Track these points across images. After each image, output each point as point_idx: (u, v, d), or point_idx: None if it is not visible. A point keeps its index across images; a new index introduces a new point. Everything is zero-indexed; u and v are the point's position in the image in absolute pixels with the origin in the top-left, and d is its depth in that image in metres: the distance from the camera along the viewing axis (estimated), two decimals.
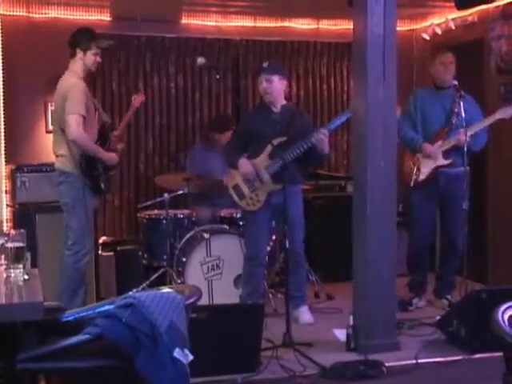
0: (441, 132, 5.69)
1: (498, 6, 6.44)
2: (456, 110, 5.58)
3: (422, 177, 5.71)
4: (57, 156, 5.16)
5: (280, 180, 5.18)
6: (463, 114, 5.32)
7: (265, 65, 5.49)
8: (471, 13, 6.80)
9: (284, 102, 5.52)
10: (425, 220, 5.83)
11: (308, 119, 5.84)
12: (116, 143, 5.53)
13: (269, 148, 5.30)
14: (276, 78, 5.37)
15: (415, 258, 5.95)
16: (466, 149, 5.31)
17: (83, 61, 5.14)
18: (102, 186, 5.17)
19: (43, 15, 6.83)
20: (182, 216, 6.38)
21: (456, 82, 5.52)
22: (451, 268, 5.78)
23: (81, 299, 5.08)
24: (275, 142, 5.26)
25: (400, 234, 6.86)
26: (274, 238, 5.98)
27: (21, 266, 3.03)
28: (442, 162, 5.64)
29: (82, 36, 5.18)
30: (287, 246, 4.92)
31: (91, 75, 5.47)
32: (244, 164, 5.37)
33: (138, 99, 5.99)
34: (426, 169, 5.70)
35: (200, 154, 6.82)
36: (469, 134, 5.42)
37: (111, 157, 5.25)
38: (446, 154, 5.63)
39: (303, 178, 5.71)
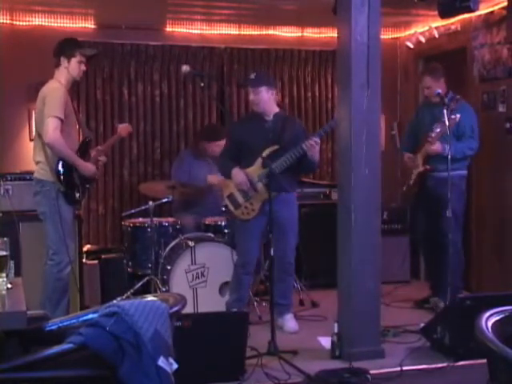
0: (424, 140, 5.88)
1: (480, 15, 6.49)
2: (442, 118, 5.66)
3: (411, 182, 6.10)
4: (35, 163, 5.14)
5: (273, 188, 5.21)
6: (447, 122, 5.43)
7: (252, 76, 5.48)
8: (454, 21, 6.85)
9: (277, 109, 5.52)
10: (420, 221, 6.20)
11: (300, 125, 5.82)
12: (98, 155, 5.50)
13: (261, 158, 5.31)
14: (263, 89, 5.36)
15: (425, 260, 6.37)
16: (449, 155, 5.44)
17: (68, 69, 5.10)
18: (78, 195, 5.15)
19: (27, 23, 6.81)
20: (166, 224, 6.37)
21: (439, 91, 5.64)
22: (450, 269, 5.74)
23: (64, 309, 5.05)
24: (266, 153, 5.26)
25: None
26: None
27: (4, 274, 3.02)
28: (420, 168, 5.98)
29: (66, 44, 5.15)
30: (272, 253, 4.92)
31: (75, 83, 5.43)
32: (237, 174, 5.36)
33: (125, 129, 5.91)
34: (413, 175, 6.07)
35: (187, 161, 6.80)
36: (436, 138, 5.72)
37: (87, 166, 5.20)
38: (427, 160, 5.90)
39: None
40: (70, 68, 5.11)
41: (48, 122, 4.89)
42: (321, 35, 7.77)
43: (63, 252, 5.03)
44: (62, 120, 4.93)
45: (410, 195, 6.24)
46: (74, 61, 5.11)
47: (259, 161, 5.33)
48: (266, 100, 5.40)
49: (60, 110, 4.94)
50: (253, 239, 5.47)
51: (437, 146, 5.73)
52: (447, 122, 5.46)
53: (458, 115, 5.60)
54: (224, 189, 5.56)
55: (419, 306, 6.10)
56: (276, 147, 5.29)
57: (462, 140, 5.80)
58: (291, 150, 5.23)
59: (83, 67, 5.19)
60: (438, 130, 5.69)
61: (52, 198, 5.00)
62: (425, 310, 5.95)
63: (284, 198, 5.29)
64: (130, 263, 6.36)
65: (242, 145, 5.44)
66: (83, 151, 5.23)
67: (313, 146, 5.22)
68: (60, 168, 5.01)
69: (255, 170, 5.37)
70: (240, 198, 5.42)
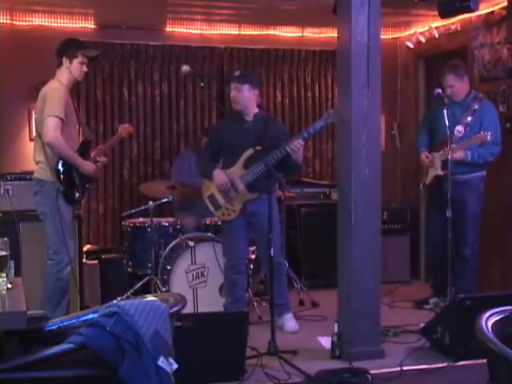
0: (443, 142, 5.74)
1: (480, 15, 6.49)
2: (467, 120, 5.75)
3: (427, 181, 6.06)
4: (36, 163, 5.14)
5: (255, 189, 5.19)
6: (447, 123, 5.45)
7: (236, 73, 5.47)
8: (454, 21, 6.85)
9: (256, 110, 5.50)
10: (433, 223, 6.17)
11: (281, 127, 5.82)
12: (99, 155, 5.49)
13: (247, 154, 5.30)
14: (246, 88, 5.34)
15: (432, 260, 6.29)
16: (449, 159, 5.51)
17: (69, 70, 5.10)
18: (77, 195, 5.14)
19: (27, 23, 6.82)
20: (166, 224, 6.37)
21: (440, 91, 5.64)
22: (460, 273, 5.76)
23: (64, 309, 5.05)
24: (248, 153, 5.25)
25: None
26: (254, 247, 5.94)
27: (4, 274, 3.02)
28: (439, 172, 5.85)
29: (69, 45, 5.15)
30: (272, 253, 4.91)
31: (75, 83, 5.43)
32: (219, 175, 5.34)
33: (125, 130, 5.93)
34: (430, 175, 6.00)
35: (187, 160, 6.82)
36: (461, 148, 5.63)
37: (87, 165, 5.18)
38: (445, 163, 5.68)
39: (288, 186, 5.71)
40: (72, 68, 5.11)
41: (48, 122, 4.90)
42: (321, 35, 7.78)
43: (63, 252, 5.03)
44: (62, 120, 4.93)
45: (426, 193, 6.27)
46: (75, 61, 5.10)
47: (241, 161, 5.32)
48: (247, 99, 5.38)
49: (60, 109, 4.94)
50: (238, 239, 5.46)
51: (459, 154, 5.64)
52: (447, 122, 5.48)
53: (489, 133, 5.53)
54: (204, 190, 5.53)
55: (419, 307, 6.10)
56: (258, 148, 5.27)
57: (484, 145, 5.66)
58: (273, 151, 5.17)
59: (85, 68, 5.19)
60: (460, 135, 5.70)
61: (52, 198, 5.00)
62: (424, 310, 5.95)
63: (265, 199, 5.20)
64: (130, 263, 6.36)
65: (222, 145, 5.43)
66: (83, 151, 5.22)
67: (298, 149, 5.18)
68: (60, 167, 5.01)
69: (236, 170, 5.35)
70: (221, 199, 5.40)
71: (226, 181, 5.31)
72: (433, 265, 6.45)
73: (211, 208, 5.46)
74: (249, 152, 5.27)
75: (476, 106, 5.77)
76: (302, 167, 5.78)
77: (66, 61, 5.10)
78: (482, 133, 5.58)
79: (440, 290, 5.95)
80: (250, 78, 5.58)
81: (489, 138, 5.52)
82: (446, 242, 5.57)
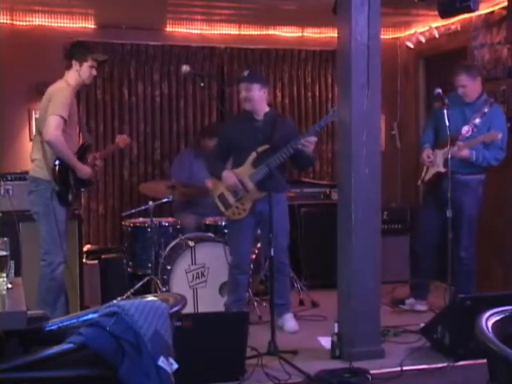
0: (447, 141, 5.60)
1: (480, 15, 6.50)
2: (475, 121, 5.71)
3: (426, 178, 5.98)
4: (32, 161, 5.14)
5: (265, 188, 5.19)
6: (447, 123, 5.42)
7: (245, 73, 5.48)
8: (454, 21, 6.86)
9: (267, 109, 5.50)
10: (427, 221, 5.98)
11: (290, 124, 5.82)
12: (95, 159, 5.50)
13: (252, 156, 5.30)
14: (256, 87, 5.35)
15: (417, 260, 6.13)
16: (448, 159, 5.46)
17: (78, 73, 5.12)
18: (70, 197, 5.13)
19: (27, 23, 6.82)
20: (166, 224, 6.37)
21: (440, 91, 5.62)
22: (458, 275, 5.70)
23: (62, 308, 5.04)
24: (259, 149, 5.26)
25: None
26: (258, 245, 5.96)
27: (4, 274, 3.02)
28: (441, 169, 5.78)
29: (79, 48, 5.21)
30: (272, 253, 4.91)
31: (82, 86, 5.43)
32: (228, 176, 5.34)
33: (123, 140, 5.94)
34: (430, 171, 5.94)
35: (188, 160, 6.83)
36: (468, 146, 5.60)
37: (85, 169, 5.18)
38: (448, 161, 5.56)
39: (288, 186, 5.72)
40: (82, 72, 5.12)
41: (50, 120, 4.89)
42: (321, 35, 7.78)
43: (55, 252, 5.01)
44: (64, 120, 4.94)
45: (423, 190, 6.26)
46: (85, 65, 5.12)
47: (250, 160, 5.32)
48: (258, 98, 5.38)
49: (64, 109, 4.94)
50: (245, 239, 5.46)
51: (465, 153, 5.60)
52: (447, 122, 5.45)
53: (500, 134, 5.52)
54: (214, 189, 5.53)
55: (395, 306, 6.05)
56: (266, 146, 5.28)
57: (489, 148, 5.63)
58: (282, 150, 5.19)
59: (94, 72, 5.21)
60: (467, 135, 5.67)
61: (46, 198, 4.99)
62: (403, 311, 5.98)
63: (275, 198, 5.20)
64: (130, 263, 6.36)
65: (231, 144, 5.44)
66: (81, 155, 5.23)
67: (310, 143, 5.21)
68: (57, 166, 5.00)
69: (246, 169, 5.35)
70: (231, 199, 5.40)
71: (236, 181, 5.31)
72: (418, 264, 6.16)
73: (221, 207, 5.46)
74: (255, 153, 5.28)
75: (486, 109, 5.72)
76: (316, 159, 5.85)
77: (75, 64, 5.11)
78: (492, 131, 5.56)
79: (417, 292, 5.99)
80: (259, 77, 5.65)
81: (499, 136, 5.49)
82: (439, 243, 5.56)
